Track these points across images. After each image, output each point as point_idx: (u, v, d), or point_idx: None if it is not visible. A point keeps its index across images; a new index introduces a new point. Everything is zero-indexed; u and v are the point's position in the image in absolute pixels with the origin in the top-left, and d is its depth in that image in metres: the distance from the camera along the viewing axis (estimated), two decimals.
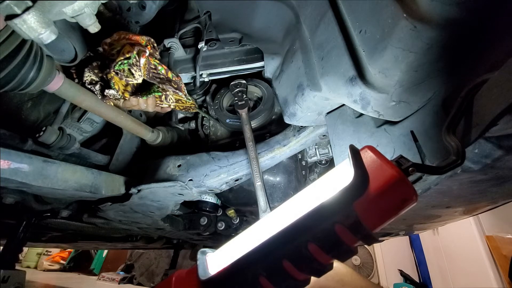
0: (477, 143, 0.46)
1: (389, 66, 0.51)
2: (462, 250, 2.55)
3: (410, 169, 0.37)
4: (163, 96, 0.87)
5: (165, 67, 0.84)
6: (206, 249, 0.50)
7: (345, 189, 0.36)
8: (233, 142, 1.05)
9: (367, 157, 0.39)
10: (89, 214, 1.09)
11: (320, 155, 1.04)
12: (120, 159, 0.99)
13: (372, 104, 0.58)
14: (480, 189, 0.64)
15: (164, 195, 0.95)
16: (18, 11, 0.45)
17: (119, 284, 3.81)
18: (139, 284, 3.87)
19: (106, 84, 0.78)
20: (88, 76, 0.79)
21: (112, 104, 0.81)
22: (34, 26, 0.46)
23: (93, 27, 0.54)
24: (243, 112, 0.95)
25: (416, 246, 3.15)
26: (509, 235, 2.21)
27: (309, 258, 0.36)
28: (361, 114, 0.69)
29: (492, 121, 0.37)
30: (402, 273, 3.05)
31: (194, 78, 1.05)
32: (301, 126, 0.92)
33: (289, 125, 0.95)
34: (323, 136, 0.91)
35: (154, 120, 1.15)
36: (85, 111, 0.96)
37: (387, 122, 0.62)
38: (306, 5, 0.77)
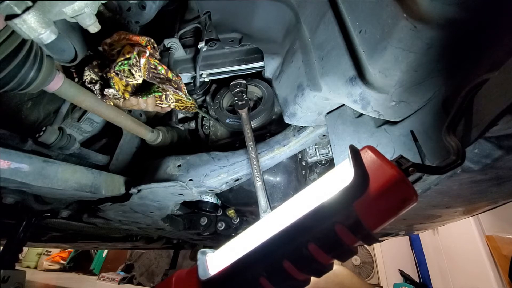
0: (477, 143, 0.46)
1: (389, 66, 0.51)
2: (462, 250, 2.54)
3: (410, 169, 0.37)
4: (163, 96, 0.87)
5: (165, 67, 0.84)
6: (206, 249, 0.50)
7: (345, 189, 0.36)
8: (233, 142, 1.05)
9: (367, 157, 0.39)
10: (89, 214, 1.09)
11: (320, 155, 1.04)
12: (120, 159, 0.99)
13: (372, 104, 0.58)
14: (480, 189, 0.64)
15: (164, 195, 0.95)
16: (18, 11, 0.45)
17: (119, 284, 3.81)
18: (139, 284, 3.87)
19: (106, 83, 0.78)
20: (88, 75, 0.79)
21: (112, 103, 0.81)
22: (34, 26, 0.46)
23: (93, 27, 0.54)
24: (243, 112, 0.95)
25: (416, 246, 3.14)
26: (509, 235, 2.20)
27: (309, 258, 0.36)
28: (361, 114, 0.69)
29: (492, 121, 0.37)
30: (402, 273, 3.05)
31: (194, 78, 1.05)
32: (301, 126, 0.92)
33: (289, 125, 0.95)
34: (323, 136, 0.91)
35: (154, 120, 1.15)
36: (85, 111, 0.96)
37: (387, 122, 0.62)
38: (306, 5, 0.77)
